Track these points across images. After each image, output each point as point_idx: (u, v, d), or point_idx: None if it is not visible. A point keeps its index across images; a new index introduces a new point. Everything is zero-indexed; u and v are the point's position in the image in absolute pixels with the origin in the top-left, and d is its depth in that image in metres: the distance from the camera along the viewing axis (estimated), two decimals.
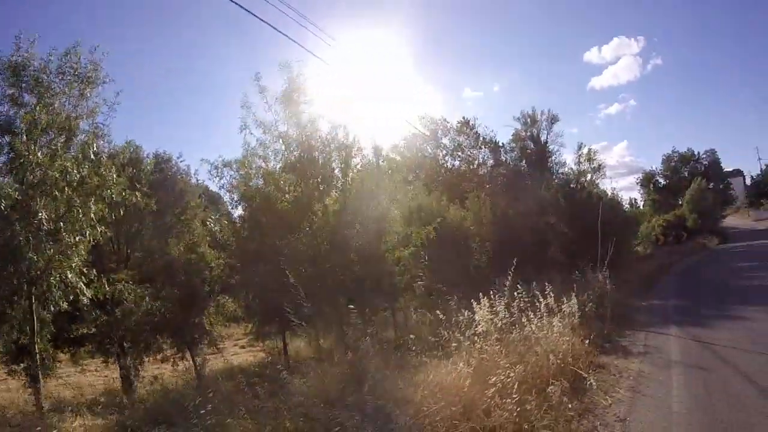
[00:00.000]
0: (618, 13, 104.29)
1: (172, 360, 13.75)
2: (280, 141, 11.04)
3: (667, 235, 42.61)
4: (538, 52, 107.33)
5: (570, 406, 5.10)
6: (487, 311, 6.11)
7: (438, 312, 6.69)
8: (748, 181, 68.76)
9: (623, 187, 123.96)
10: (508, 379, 5.04)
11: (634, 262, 23.80)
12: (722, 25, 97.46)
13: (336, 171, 11.65)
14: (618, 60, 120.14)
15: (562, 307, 7.75)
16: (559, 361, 6.17)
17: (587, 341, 7.57)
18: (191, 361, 13.67)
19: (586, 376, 6.05)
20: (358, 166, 11.91)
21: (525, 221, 18.47)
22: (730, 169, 65.37)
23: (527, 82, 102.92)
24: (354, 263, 10.93)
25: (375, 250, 11.32)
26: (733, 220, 61.54)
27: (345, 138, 11.59)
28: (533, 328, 6.70)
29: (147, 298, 12.35)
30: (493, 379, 4.94)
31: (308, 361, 8.65)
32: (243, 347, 20.15)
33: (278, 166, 11.35)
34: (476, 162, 23.25)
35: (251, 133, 11.02)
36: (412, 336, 10.10)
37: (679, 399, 5.36)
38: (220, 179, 12.18)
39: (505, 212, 18.41)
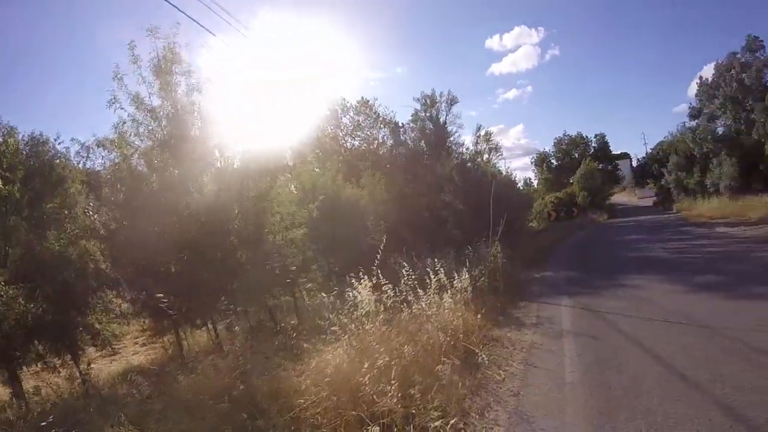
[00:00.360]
0: (521, 4, 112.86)
1: (54, 367, 12.29)
2: (152, 116, 10.00)
3: (559, 211, 47.18)
4: (442, 36, 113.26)
5: (462, 384, 5.25)
6: (369, 291, 6.11)
7: (325, 294, 6.58)
8: (635, 163, 79.84)
9: (519, 167, 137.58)
10: (396, 361, 5.06)
11: (528, 236, 26.09)
12: (615, 20, 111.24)
13: (214, 149, 10.90)
14: (518, 48, 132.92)
15: (454, 282, 8.09)
16: (449, 339, 6.38)
17: (480, 315, 7.95)
18: (78, 367, 12.42)
19: (478, 352, 6.33)
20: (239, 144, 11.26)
21: (422, 199, 19.75)
22: (619, 152, 76.33)
23: (430, 65, 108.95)
24: (235, 248, 10.39)
25: (259, 232, 10.85)
26: (620, 198, 71.67)
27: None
28: (423, 306, 6.88)
29: (21, 299, 10.71)
30: (380, 362, 4.90)
31: (201, 356, 8.06)
32: (144, 345, 18.71)
33: (150, 144, 10.30)
34: (376, 142, 24.55)
35: (122, 108, 9.85)
36: (292, 322, 9.70)
37: (571, 369, 5.76)
38: (88, 160, 10.84)
39: (403, 190, 19.07)
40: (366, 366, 4.84)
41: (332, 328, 5.71)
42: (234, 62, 11.81)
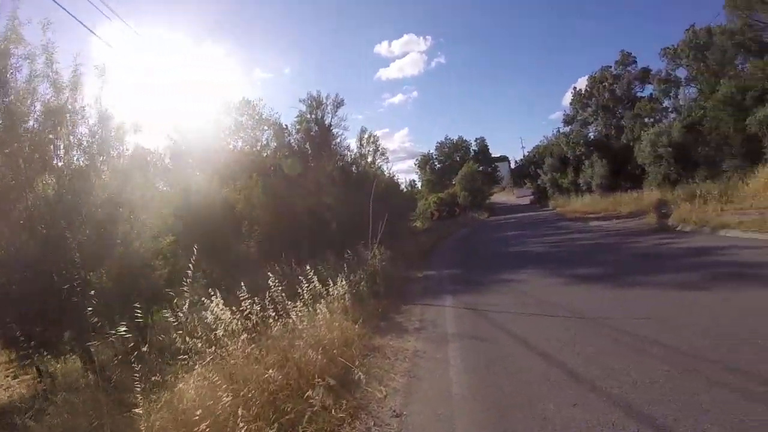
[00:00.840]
0: (411, 13, 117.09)
1: None
2: None
3: (441, 211, 49.05)
4: (332, 39, 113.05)
5: (337, 408, 4.72)
6: (223, 306, 5.64)
7: (178, 310, 5.73)
8: (513, 165, 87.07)
9: (404, 170, 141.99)
10: (262, 389, 4.61)
11: (412, 236, 26.46)
12: (498, 34, 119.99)
13: (60, 147, 9.14)
14: (406, 55, 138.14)
15: (330, 289, 7.84)
16: (324, 355, 5.80)
17: (360, 323, 7.60)
18: None
19: (354, 368, 5.73)
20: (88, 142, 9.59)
21: (305, 202, 19.34)
22: (498, 155, 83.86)
23: (319, 67, 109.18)
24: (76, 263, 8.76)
25: (110, 243, 9.32)
26: (499, 197, 77.04)
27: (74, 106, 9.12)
28: (294, 319, 6.43)
29: None
30: (243, 391, 4.43)
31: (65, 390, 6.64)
32: (16, 377, 15.60)
33: None
34: (259, 144, 24.28)
35: None
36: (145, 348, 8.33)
37: (458, 379, 5.32)
38: None
39: (285, 194, 18.69)
40: (227, 398, 4.20)
41: (191, 352, 5.07)
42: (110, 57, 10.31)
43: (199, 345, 5.06)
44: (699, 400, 3.91)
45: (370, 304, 9.21)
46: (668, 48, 33.38)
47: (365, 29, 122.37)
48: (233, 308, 5.71)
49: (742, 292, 7.11)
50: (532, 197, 61.66)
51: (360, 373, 5.48)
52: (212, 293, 5.70)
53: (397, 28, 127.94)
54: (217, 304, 5.58)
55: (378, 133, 54.03)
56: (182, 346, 5.21)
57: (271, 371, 5.01)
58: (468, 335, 7.01)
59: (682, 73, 33.14)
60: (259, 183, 17.55)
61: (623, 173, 35.48)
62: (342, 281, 8.33)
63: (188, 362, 5.12)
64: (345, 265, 9.85)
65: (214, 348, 5.14)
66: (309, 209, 19.67)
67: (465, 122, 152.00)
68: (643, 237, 15.63)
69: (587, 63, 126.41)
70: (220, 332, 5.36)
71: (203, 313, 5.68)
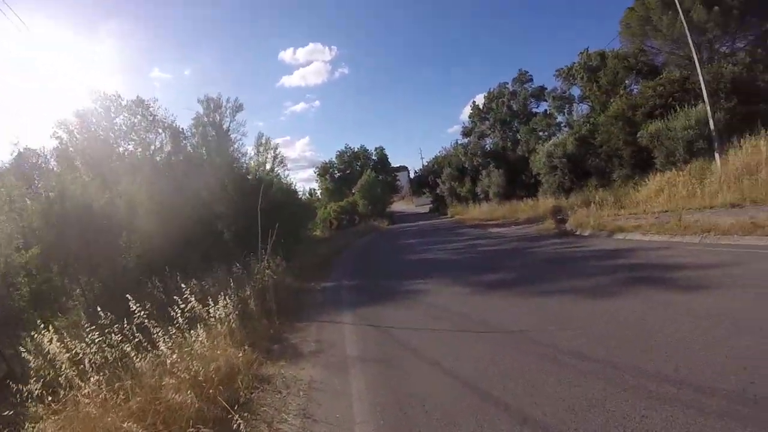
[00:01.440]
0: (317, 21, 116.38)
1: None
2: None
3: (341, 219, 48.19)
4: (236, 42, 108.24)
5: None
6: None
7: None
8: (412, 175, 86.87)
9: (304, 179, 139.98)
10: None
11: (311, 245, 25.55)
12: (401, 50, 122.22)
13: None
14: (310, 64, 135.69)
15: (213, 310, 6.92)
16: (194, 397, 4.75)
17: (248, 348, 6.73)
18: None
19: (234, 413, 4.51)
20: None
21: (196, 212, 17.99)
22: (398, 165, 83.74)
23: (220, 70, 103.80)
24: None
25: None
26: (399, 206, 79.27)
27: None
28: (164, 350, 5.42)
29: None
30: None
31: None
32: None
33: None
34: (152, 147, 22.43)
35: None
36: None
37: (363, 417, 4.44)
38: None
39: (174, 202, 17.18)
40: None
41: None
42: None
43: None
44: (650, 425, 3.36)
45: (261, 324, 8.19)
46: (562, 69, 35.26)
47: (271, 35, 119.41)
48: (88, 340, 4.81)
49: (659, 296, 6.77)
50: (431, 206, 62.87)
51: (240, 421, 4.30)
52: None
53: (303, 35, 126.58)
54: (51, 340, 4.64)
55: (279, 141, 52.41)
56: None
57: (129, 423, 4.07)
58: (372, 359, 6.13)
59: (575, 91, 35.02)
60: (143, 188, 15.91)
61: (519, 182, 36.83)
62: (227, 299, 7.31)
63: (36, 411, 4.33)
64: (233, 279, 8.80)
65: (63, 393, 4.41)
66: (200, 218, 18.20)
67: (366, 133, 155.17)
68: (545, 241, 15.75)
69: (486, 80, 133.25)
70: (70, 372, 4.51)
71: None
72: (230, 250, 17.37)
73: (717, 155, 17.62)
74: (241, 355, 6.22)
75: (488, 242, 18.60)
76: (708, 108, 18.44)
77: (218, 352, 6.05)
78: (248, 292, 8.89)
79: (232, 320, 7.13)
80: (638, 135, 21.48)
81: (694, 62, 22.25)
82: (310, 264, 17.18)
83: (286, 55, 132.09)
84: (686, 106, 20.27)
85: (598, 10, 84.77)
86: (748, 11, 23.82)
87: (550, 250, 13.69)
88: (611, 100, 27.36)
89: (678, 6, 20.61)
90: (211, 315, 6.84)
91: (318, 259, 19.16)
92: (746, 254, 8.54)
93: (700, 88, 20.61)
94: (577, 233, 15.87)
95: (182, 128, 23.60)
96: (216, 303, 6.98)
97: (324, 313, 9.46)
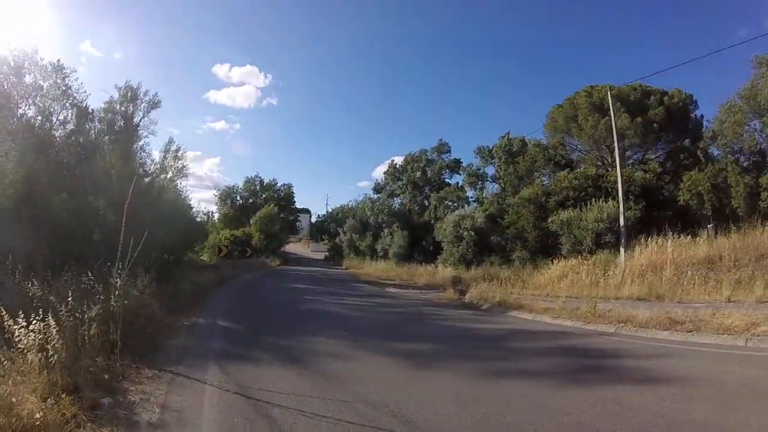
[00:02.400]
0: (260, 46, 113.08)
1: None
2: None
3: (232, 249, 44.28)
4: (174, 43, 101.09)
5: None
6: None
7: None
8: (314, 219, 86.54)
9: (206, 200, 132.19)
10: None
11: (194, 269, 22.32)
12: (331, 93, 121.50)
13: None
14: (242, 85, 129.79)
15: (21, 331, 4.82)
16: None
17: (67, 396, 4.48)
18: None
19: None
20: None
21: (75, 200, 14.84)
22: (301, 207, 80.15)
23: (150, 64, 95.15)
24: None
25: None
26: (295, 247, 75.48)
27: None
28: None
29: None
30: None
31: None
32: None
33: None
34: (56, 119, 18.88)
35: None
36: None
37: None
38: None
39: (56, 183, 14.58)
40: None
41: None
42: None
43: None
44: None
45: (98, 362, 5.66)
46: (483, 147, 35.93)
47: (213, 44, 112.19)
48: None
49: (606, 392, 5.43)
50: (327, 253, 60.69)
51: None
52: None
53: (243, 55, 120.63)
54: None
55: (189, 154, 48.38)
56: None
57: None
58: None
59: (489, 170, 35.65)
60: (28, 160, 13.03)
61: (419, 247, 36.23)
62: (51, 319, 5.07)
63: None
64: (77, 292, 6.53)
65: None
66: (78, 210, 14.79)
67: (278, 167, 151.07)
68: (450, 310, 14.39)
69: (405, 144, 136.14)
70: None
71: None
72: (100, 255, 14.21)
73: (622, 250, 17.90)
74: (56, 403, 4.05)
75: (390, 302, 16.77)
76: (621, 205, 18.84)
77: (13, 398, 3.86)
78: (93, 314, 6.29)
79: (51, 351, 4.82)
80: (550, 220, 21.46)
81: (611, 162, 23.72)
82: (185, 290, 14.30)
83: (221, 70, 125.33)
84: (596, 201, 20.63)
85: (521, 99, 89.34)
86: (665, 128, 25.97)
87: (459, 323, 12.06)
88: (522, 186, 28.12)
89: (612, 114, 21.53)
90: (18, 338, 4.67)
91: (196, 286, 16.19)
92: (675, 349, 8.04)
93: (613, 187, 21.60)
94: (482, 307, 14.66)
95: (92, 109, 20.23)
96: (29, 321, 4.79)
97: (184, 361, 6.79)
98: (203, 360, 6.92)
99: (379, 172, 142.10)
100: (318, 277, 31.08)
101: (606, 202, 20.16)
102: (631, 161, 26.82)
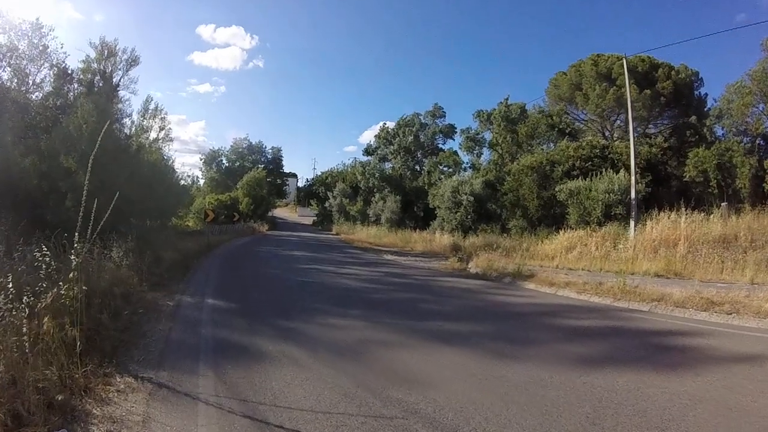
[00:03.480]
0: (248, 7, 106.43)
1: None
2: None
3: (219, 213, 42.28)
4: (152, 2, 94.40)
5: None
6: None
7: None
8: (301, 183, 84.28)
9: (191, 164, 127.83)
10: None
11: (178, 236, 20.60)
12: (319, 54, 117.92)
13: None
14: (227, 46, 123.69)
15: None
16: None
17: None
18: None
19: None
20: None
21: (44, 164, 13.51)
22: (289, 171, 78.00)
23: (134, 28, 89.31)
24: None
25: None
26: (282, 212, 73.37)
27: None
28: None
29: None
30: None
31: None
32: None
33: None
34: (31, 81, 18.06)
35: None
36: None
37: None
38: None
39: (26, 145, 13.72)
40: None
41: None
42: None
43: None
44: None
45: (50, 373, 3.97)
46: (482, 111, 34.00)
47: (196, 4, 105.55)
48: None
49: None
50: (315, 218, 58.65)
51: None
52: None
53: (228, 15, 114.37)
54: None
55: (173, 117, 44.93)
56: None
57: None
58: None
59: (487, 136, 33.75)
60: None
61: (409, 212, 34.67)
62: None
63: None
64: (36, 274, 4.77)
65: None
66: (48, 173, 13.22)
67: (265, 131, 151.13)
68: (461, 282, 12.92)
69: (396, 108, 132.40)
70: None
71: None
72: (72, 223, 12.30)
73: (632, 223, 16.93)
74: None
75: (395, 272, 15.05)
76: (633, 177, 17.80)
77: None
78: (44, 304, 4.60)
79: None
80: (557, 189, 20.08)
81: (612, 134, 22.53)
82: (169, 260, 12.56)
83: (206, 31, 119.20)
84: (604, 172, 19.38)
85: (518, 69, 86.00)
86: (671, 103, 25.04)
87: (479, 297, 10.57)
88: (521, 154, 27.06)
89: (626, 82, 20.13)
90: None
91: (181, 255, 14.38)
92: (724, 331, 7.15)
93: (619, 159, 20.72)
94: (495, 278, 13.30)
95: (71, 70, 19.32)
96: None
97: (168, 362, 5.08)
98: (193, 359, 5.22)
99: (366, 137, 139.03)
100: (310, 242, 29.20)
101: (617, 173, 18.90)
102: (635, 134, 25.65)
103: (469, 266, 15.71)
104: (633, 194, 17.62)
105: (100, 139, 5.68)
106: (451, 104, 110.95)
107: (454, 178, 27.88)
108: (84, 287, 4.83)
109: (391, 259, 19.40)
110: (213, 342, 5.98)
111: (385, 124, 45.38)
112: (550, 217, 21.06)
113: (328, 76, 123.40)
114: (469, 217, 24.18)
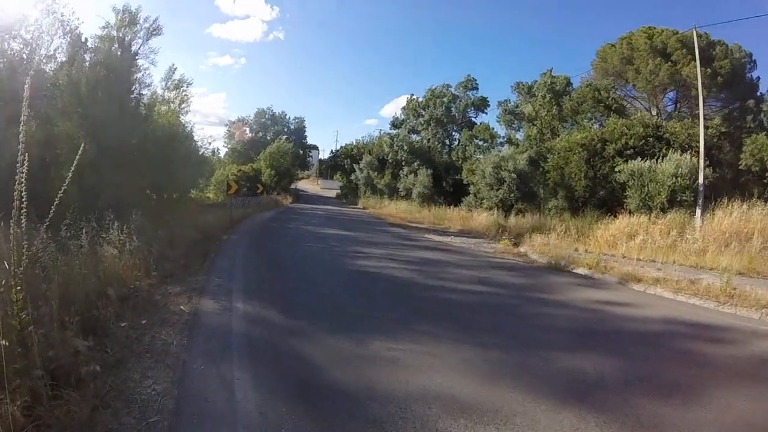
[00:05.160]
0: None
1: None
2: None
3: (241, 185, 40.02)
4: None
5: None
6: None
7: None
8: (322, 156, 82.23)
9: (212, 136, 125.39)
10: None
11: (200, 211, 18.37)
12: (343, 26, 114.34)
13: None
14: (247, 18, 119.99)
15: None
16: None
17: None
18: None
19: None
20: None
21: (41, 131, 11.12)
22: (311, 143, 78.12)
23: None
24: None
25: None
26: (304, 184, 70.14)
27: None
28: None
29: None
30: None
31: None
32: None
33: None
34: (44, 50, 15.96)
35: None
36: None
37: None
38: None
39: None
40: None
41: None
42: None
43: None
44: None
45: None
46: (522, 83, 31.31)
47: None
48: None
49: None
50: (338, 191, 56.16)
51: None
52: None
53: None
54: None
55: (195, 90, 42.90)
56: None
57: None
58: None
59: (527, 109, 30.44)
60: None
61: (438, 187, 32.55)
62: None
63: None
64: None
65: None
66: (44, 142, 10.80)
67: (285, 104, 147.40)
68: (536, 276, 10.54)
69: (422, 81, 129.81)
70: None
71: None
72: (71, 199, 10.19)
73: (698, 211, 14.89)
74: None
75: (450, 260, 12.10)
76: (701, 161, 15.60)
77: None
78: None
79: None
80: (617, 169, 17.59)
81: (660, 112, 20.14)
82: (186, 240, 10.44)
83: (225, 2, 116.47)
84: (665, 152, 17.13)
85: (560, 35, 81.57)
86: (728, 85, 22.63)
87: (576, 301, 7.98)
88: (564, 130, 25.08)
89: (696, 56, 17.53)
90: None
91: (201, 233, 12.14)
92: None
93: (675, 140, 18.29)
94: (566, 269, 11.16)
95: (85, 38, 17.05)
96: None
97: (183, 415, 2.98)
98: (220, 408, 2.96)
99: (388, 111, 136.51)
100: (339, 218, 26.50)
101: (682, 155, 16.44)
102: (686, 116, 23.05)
103: (524, 250, 13.72)
104: (701, 179, 15.39)
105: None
106: (481, 77, 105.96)
107: (494, 152, 25.38)
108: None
109: (434, 239, 16.85)
110: (246, 362, 3.68)
111: (412, 95, 42.53)
112: (597, 199, 18.82)
113: (349, 49, 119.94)
114: (512, 194, 21.65)
